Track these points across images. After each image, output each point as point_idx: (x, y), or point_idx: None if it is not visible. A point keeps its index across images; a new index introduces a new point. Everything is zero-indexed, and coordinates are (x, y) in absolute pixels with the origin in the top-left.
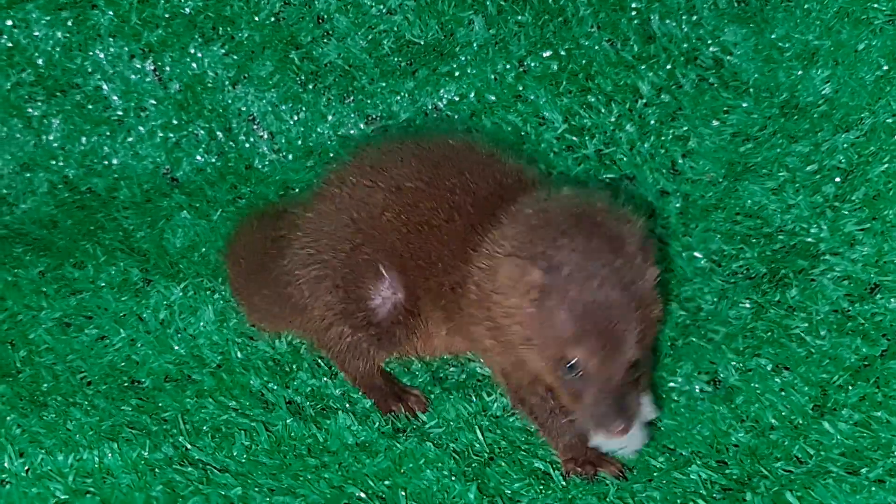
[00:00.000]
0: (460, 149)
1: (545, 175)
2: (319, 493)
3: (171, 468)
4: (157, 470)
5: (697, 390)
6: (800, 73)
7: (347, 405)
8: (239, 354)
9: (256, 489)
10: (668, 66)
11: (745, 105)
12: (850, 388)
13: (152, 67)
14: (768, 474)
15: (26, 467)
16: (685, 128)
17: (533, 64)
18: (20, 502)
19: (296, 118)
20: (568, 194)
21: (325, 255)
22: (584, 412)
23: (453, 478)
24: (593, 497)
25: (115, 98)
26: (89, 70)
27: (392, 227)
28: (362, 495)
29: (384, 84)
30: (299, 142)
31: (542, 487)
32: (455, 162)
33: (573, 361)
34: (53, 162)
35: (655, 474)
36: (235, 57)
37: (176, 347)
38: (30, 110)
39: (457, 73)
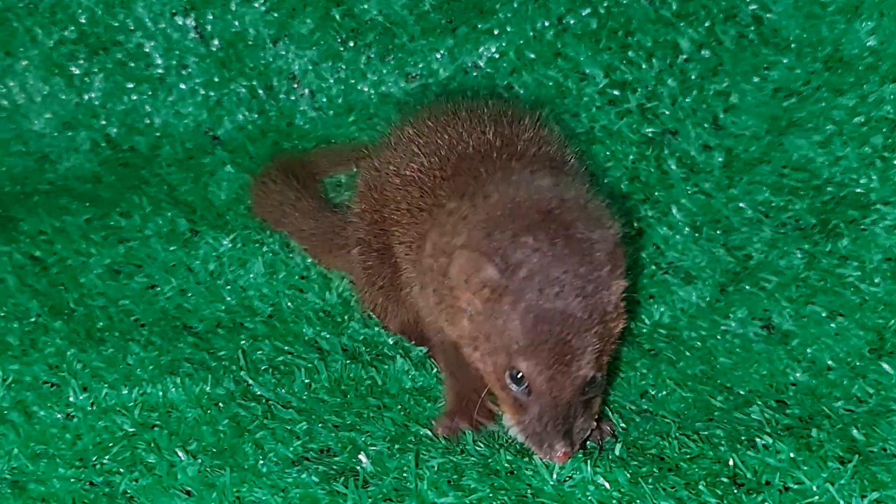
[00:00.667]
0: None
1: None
2: (384, 430)
3: (235, 403)
4: (220, 404)
5: (752, 334)
6: (843, 26)
7: (402, 352)
8: (290, 305)
9: (321, 424)
10: (707, 24)
11: (786, 61)
12: None
13: (194, 24)
14: (830, 413)
15: (91, 401)
16: (726, 83)
17: (572, 21)
18: (88, 435)
19: (336, 76)
20: (545, 184)
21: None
22: (525, 428)
23: None
24: (655, 436)
25: (156, 56)
26: (131, 27)
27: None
28: (428, 433)
29: (424, 42)
30: (339, 99)
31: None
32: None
33: (520, 374)
34: (95, 120)
35: (716, 413)
36: (276, 14)
37: (227, 298)
38: (72, 68)
39: (496, 31)
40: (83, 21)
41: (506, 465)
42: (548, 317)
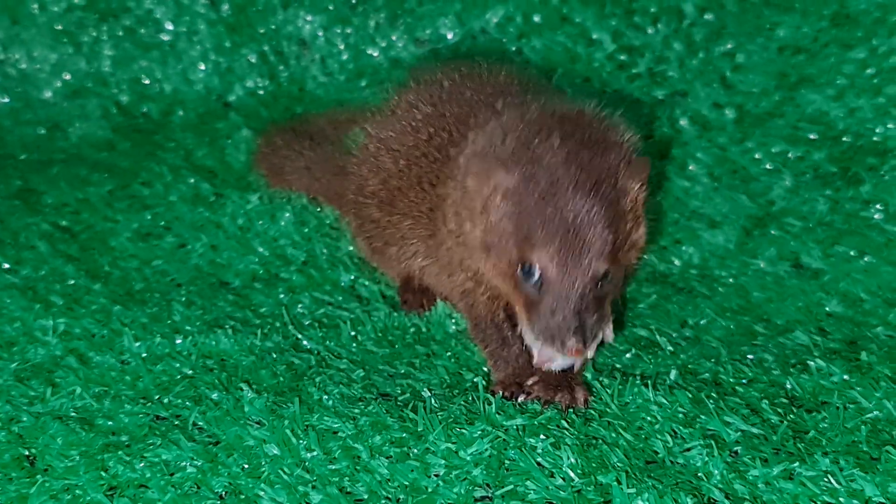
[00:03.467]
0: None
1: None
2: (439, 378)
3: (288, 353)
4: (274, 354)
5: (782, 272)
6: None
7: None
8: (324, 251)
9: (376, 374)
10: None
11: (790, 20)
12: None
13: None
14: (872, 338)
15: (145, 350)
16: (731, 44)
17: None
18: (147, 377)
19: (346, 42)
20: (560, 101)
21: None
22: (539, 323)
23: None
24: (705, 360)
25: (166, 21)
26: None
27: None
28: (481, 380)
29: (432, 6)
30: (350, 65)
31: (650, 357)
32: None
33: (531, 266)
34: (105, 88)
35: (760, 339)
36: None
37: (259, 249)
38: (81, 36)
39: None
40: None
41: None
42: (559, 209)
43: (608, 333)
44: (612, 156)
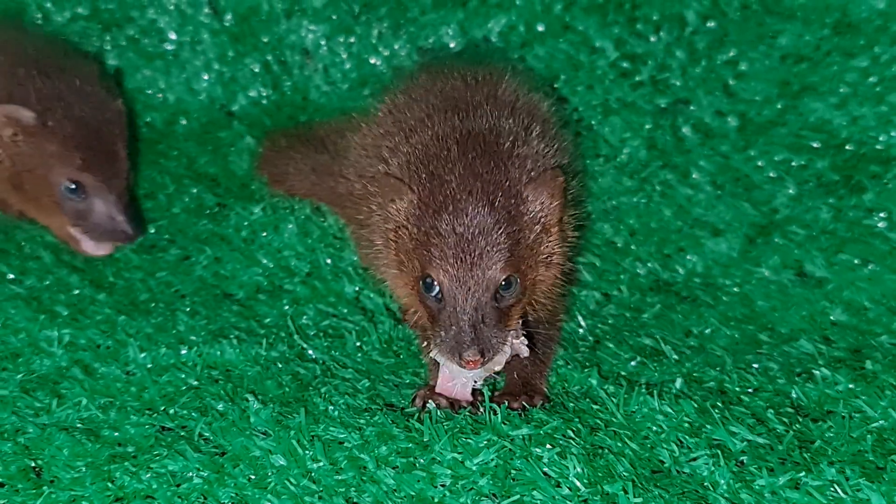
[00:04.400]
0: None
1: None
2: None
3: (293, 363)
4: (279, 364)
5: (786, 280)
6: None
7: None
8: (328, 262)
9: (382, 383)
10: None
11: (792, 28)
12: None
13: None
14: (877, 346)
15: (150, 361)
16: (733, 52)
17: None
18: (152, 388)
19: (349, 50)
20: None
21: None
22: (438, 336)
23: (569, 366)
24: (710, 368)
25: (169, 31)
26: (144, 3)
27: None
28: (486, 391)
29: (435, 15)
30: (353, 74)
31: (655, 365)
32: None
33: (431, 280)
34: None
35: (765, 347)
36: None
37: (263, 261)
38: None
39: (506, 5)
40: None
41: (571, 405)
42: (452, 222)
43: (522, 349)
44: (511, 168)
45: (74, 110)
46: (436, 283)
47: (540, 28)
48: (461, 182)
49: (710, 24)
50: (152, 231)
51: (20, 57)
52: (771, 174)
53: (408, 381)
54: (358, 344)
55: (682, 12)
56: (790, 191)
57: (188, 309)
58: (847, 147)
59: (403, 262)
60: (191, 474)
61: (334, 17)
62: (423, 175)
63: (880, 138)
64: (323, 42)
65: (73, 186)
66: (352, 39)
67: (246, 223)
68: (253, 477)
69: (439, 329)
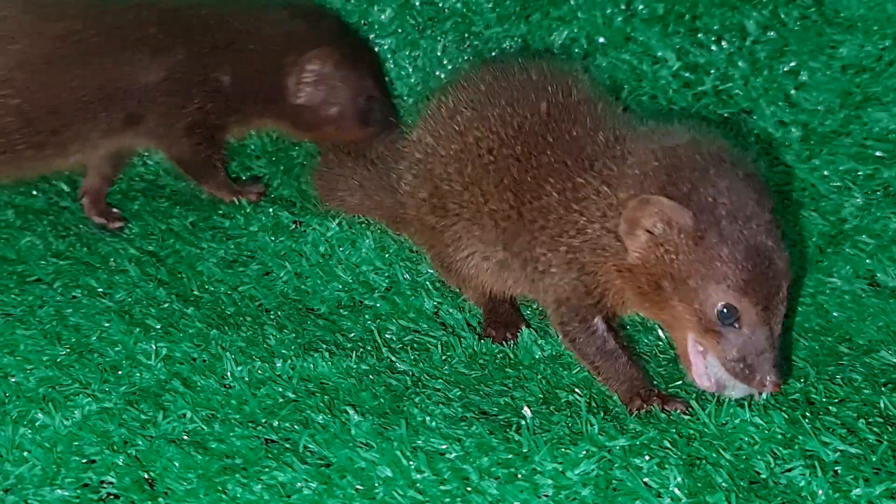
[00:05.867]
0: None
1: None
2: (534, 396)
3: (384, 375)
4: (371, 376)
5: (859, 290)
6: None
7: (523, 322)
8: (406, 277)
9: (472, 392)
10: (771, 7)
11: (853, 39)
12: None
13: None
14: None
15: (246, 375)
16: (794, 63)
17: (640, 7)
18: (252, 401)
19: (414, 64)
20: (682, 131)
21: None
22: (734, 364)
23: (655, 381)
24: (794, 380)
25: None
26: None
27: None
28: (577, 397)
29: (499, 28)
30: (419, 87)
31: None
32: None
33: (729, 309)
34: None
35: (846, 359)
36: (355, 1)
37: (342, 276)
38: None
39: (568, 18)
40: None
41: (662, 415)
42: (755, 250)
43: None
44: (767, 190)
45: None
46: (737, 312)
47: (601, 40)
48: (740, 205)
49: (771, 33)
50: (232, 247)
51: None
52: (837, 184)
53: (497, 390)
54: (444, 357)
55: (743, 22)
56: (858, 200)
57: (275, 323)
58: None
59: (673, 287)
60: (300, 485)
61: (400, 30)
62: (690, 196)
63: None
64: (389, 56)
65: None
66: (417, 53)
67: (323, 239)
68: (360, 488)
69: (730, 353)
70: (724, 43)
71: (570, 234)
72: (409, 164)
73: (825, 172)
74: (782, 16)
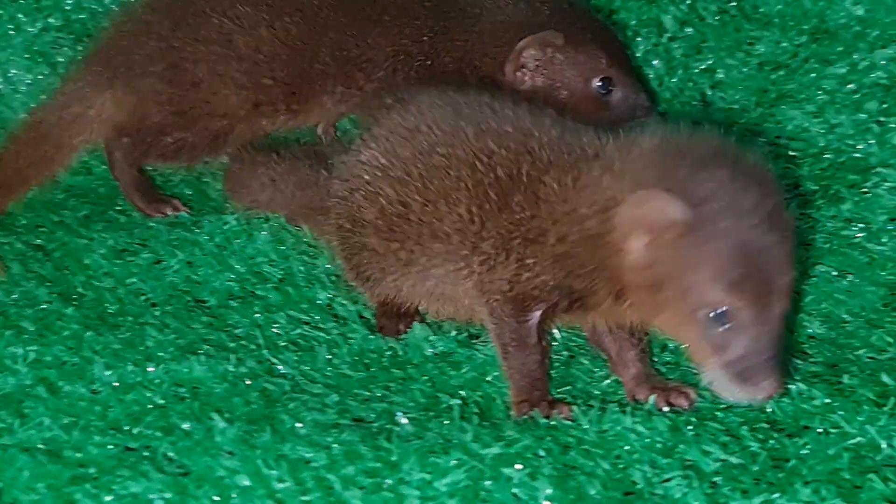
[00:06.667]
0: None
1: None
2: (415, 401)
3: (262, 379)
4: (247, 381)
5: None
6: None
7: (417, 316)
8: (301, 269)
9: (350, 398)
10: (689, 1)
11: (770, 35)
12: None
13: None
14: (854, 360)
15: (116, 378)
16: (711, 60)
17: None
18: (118, 407)
19: None
20: (686, 132)
21: None
22: (728, 368)
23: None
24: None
25: None
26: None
27: None
28: (458, 401)
29: None
30: None
31: None
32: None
33: (724, 310)
34: None
35: None
36: None
37: (236, 266)
38: (57, 57)
39: None
40: (68, 8)
41: (542, 421)
42: (750, 247)
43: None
44: (773, 184)
45: None
46: (730, 313)
47: None
48: (737, 200)
49: (688, 29)
50: (124, 235)
51: None
52: None
53: (378, 395)
54: (328, 356)
55: (660, 17)
56: None
57: (157, 322)
58: (825, 155)
59: (660, 285)
60: (153, 496)
61: None
62: (683, 189)
63: (858, 147)
64: None
65: None
66: None
67: (219, 231)
68: (217, 498)
69: (724, 357)
70: (639, 39)
71: (560, 232)
72: (356, 186)
73: None
74: (700, 10)
